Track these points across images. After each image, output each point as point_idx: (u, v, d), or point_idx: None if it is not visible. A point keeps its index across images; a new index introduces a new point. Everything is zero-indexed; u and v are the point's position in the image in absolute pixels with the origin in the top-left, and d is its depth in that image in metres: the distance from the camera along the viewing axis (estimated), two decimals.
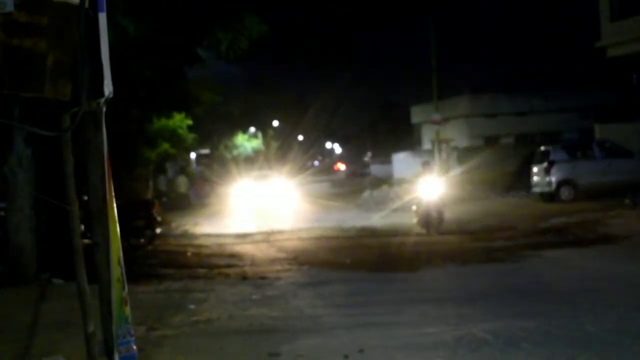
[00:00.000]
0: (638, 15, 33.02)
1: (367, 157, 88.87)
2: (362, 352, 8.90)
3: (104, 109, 4.03)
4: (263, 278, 15.83)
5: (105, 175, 4.01)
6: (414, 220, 24.60)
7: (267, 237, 25.39)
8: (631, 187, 27.96)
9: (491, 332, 9.49)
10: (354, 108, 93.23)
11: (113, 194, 4.05)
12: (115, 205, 4.08)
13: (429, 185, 24.32)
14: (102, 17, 4.02)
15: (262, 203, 39.95)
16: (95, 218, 4.02)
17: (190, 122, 38.44)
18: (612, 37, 34.62)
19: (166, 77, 20.09)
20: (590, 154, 31.26)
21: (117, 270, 4.07)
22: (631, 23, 33.21)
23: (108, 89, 3.99)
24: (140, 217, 22.17)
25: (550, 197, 30.98)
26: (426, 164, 25.65)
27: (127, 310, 4.13)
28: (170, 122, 37.07)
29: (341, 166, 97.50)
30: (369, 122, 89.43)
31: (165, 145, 38.03)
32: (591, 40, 36.02)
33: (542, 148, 33.02)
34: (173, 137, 38.08)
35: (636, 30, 32.56)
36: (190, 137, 40.91)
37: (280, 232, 26.93)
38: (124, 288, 4.12)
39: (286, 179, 49.03)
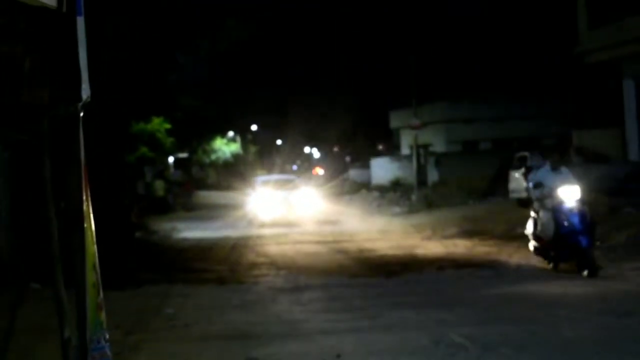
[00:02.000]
0: (615, 22, 33.18)
1: (346, 162, 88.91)
2: (340, 358, 8.90)
3: (82, 113, 4.01)
4: (241, 283, 15.82)
5: (82, 179, 3.99)
6: (531, 247, 16.58)
7: (247, 241, 25.37)
8: (608, 193, 28.08)
9: (468, 336, 9.51)
10: (333, 112, 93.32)
11: (89, 198, 4.04)
12: (91, 210, 4.07)
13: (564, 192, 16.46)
14: (80, 21, 4.00)
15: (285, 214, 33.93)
16: (72, 223, 4.01)
17: (168, 125, 38.37)
18: (589, 43, 34.76)
19: (146, 81, 20.05)
20: (568, 160, 31.36)
21: (92, 275, 4.05)
22: (609, 30, 33.36)
23: (86, 93, 3.98)
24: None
25: (527, 202, 31.02)
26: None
27: (102, 315, 4.11)
28: (149, 126, 37.00)
29: (320, 171, 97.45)
30: (348, 127, 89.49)
31: (144, 149, 37.94)
32: (569, 47, 36.17)
33: (520, 153, 33.12)
34: (151, 140, 37.99)
35: (613, 37, 32.71)
36: (169, 140, 40.84)
37: (259, 236, 26.92)
38: (99, 293, 4.11)
39: (310, 184, 43.04)
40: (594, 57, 35.02)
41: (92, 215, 4.09)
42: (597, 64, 35.83)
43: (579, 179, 29.89)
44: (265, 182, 37.70)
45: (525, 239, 17.24)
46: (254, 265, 18.78)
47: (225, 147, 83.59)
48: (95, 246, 4.12)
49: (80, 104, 3.98)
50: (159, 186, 45.01)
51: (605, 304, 11.56)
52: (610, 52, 33.72)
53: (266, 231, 28.86)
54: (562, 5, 39.60)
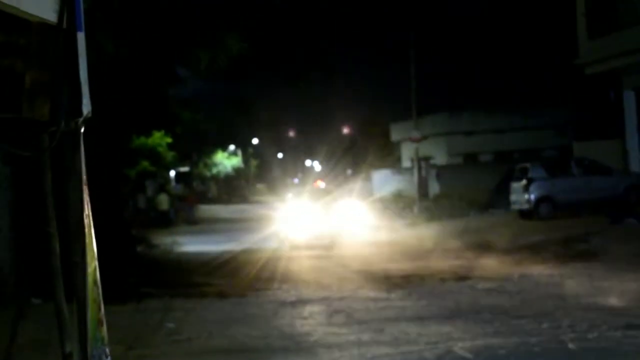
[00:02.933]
0: (615, 32, 33.21)
1: (347, 175, 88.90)
2: None
3: (82, 129, 4.01)
4: (243, 296, 15.79)
5: (83, 194, 3.98)
6: None
7: (250, 254, 25.34)
8: (609, 204, 28.10)
9: (472, 350, 9.48)
10: (335, 125, 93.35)
11: (90, 213, 4.03)
12: (92, 225, 4.06)
13: None
14: (81, 37, 4.00)
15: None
16: (73, 238, 4.00)
17: (169, 139, 38.40)
18: (590, 54, 34.76)
19: (147, 95, 20.07)
20: (569, 171, 31.36)
21: (93, 290, 4.04)
22: (609, 40, 33.38)
23: (86, 108, 3.97)
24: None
25: (529, 214, 31.06)
26: None
27: (104, 331, 4.10)
28: (150, 140, 37.02)
29: (320, 184, 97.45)
30: (349, 140, 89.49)
31: (145, 163, 37.96)
32: (570, 58, 36.19)
33: (521, 165, 33.14)
34: (152, 155, 38.00)
35: (613, 48, 32.72)
36: (170, 154, 40.86)
37: (261, 250, 26.89)
38: (100, 309, 4.10)
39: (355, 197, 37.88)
40: (594, 68, 35.03)
41: (93, 230, 4.08)
42: (597, 75, 35.85)
43: (580, 190, 29.95)
44: (299, 193, 33.08)
45: (527, 250, 17.22)
46: (256, 279, 18.75)
47: (227, 160, 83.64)
48: (97, 261, 4.11)
49: (81, 119, 3.98)
50: (163, 200, 45.03)
51: (611, 316, 11.54)
52: (610, 63, 33.73)
53: (267, 245, 28.78)
54: (562, 16, 39.65)
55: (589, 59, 34.94)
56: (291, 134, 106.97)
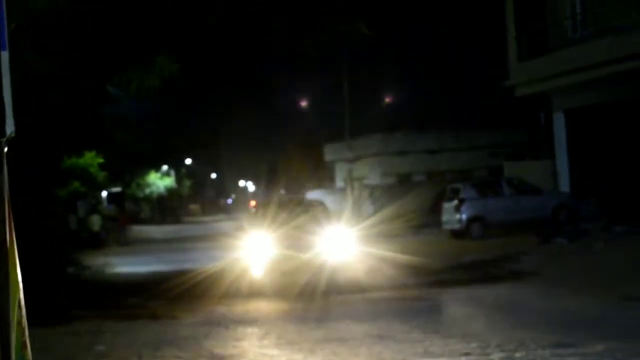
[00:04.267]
0: (544, 55, 33.75)
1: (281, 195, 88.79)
2: None
3: (6, 149, 3.96)
4: (175, 318, 15.68)
5: (6, 216, 3.93)
6: None
7: (184, 275, 25.14)
8: (539, 224, 28.47)
9: None
10: (268, 145, 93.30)
11: (14, 234, 3.97)
12: (16, 246, 4.01)
13: None
14: (5, 56, 3.96)
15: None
16: None
17: (101, 160, 38.03)
18: (520, 76, 35.31)
19: (78, 115, 19.86)
20: (500, 191, 31.73)
21: (17, 313, 3.98)
22: (538, 63, 33.92)
23: (10, 128, 3.92)
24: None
25: (460, 234, 31.34)
26: None
27: (28, 353, 4.04)
28: (81, 160, 36.62)
29: (254, 204, 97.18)
30: (283, 160, 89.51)
31: (76, 184, 37.53)
32: (501, 79, 36.69)
33: (453, 185, 33.44)
34: (84, 175, 37.59)
35: (542, 71, 33.26)
36: (102, 175, 40.45)
37: (193, 270, 26.66)
38: (24, 332, 4.04)
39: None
40: (524, 90, 35.55)
41: (16, 251, 4.02)
42: (527, 97, 36.37)
43: (510, 210, 30.30)
44: (269, 209, 22.04)
45: (459, 270, 17.33)
46: (189, 299, 18.61)
47: (160, 181, 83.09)
48: (21, 284, 4.05)
49: (4, 139, 3.92)
50: (95, 221, 44.55)
51: (540, 334, 11.67)
52: (539, 85, 34.27)
53: (197, 265, 28.58)
54: (494, 39, 40.15)
55: (519, 81, 35.45)
56: (225, 154, 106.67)
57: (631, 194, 26.72)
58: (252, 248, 21.29)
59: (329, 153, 62.31)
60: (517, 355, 10.23)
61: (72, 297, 19.02)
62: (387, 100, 54.84)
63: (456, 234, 31.78)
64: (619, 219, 26.30)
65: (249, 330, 13.82)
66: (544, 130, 37.21)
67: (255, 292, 19.59)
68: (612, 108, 31.00)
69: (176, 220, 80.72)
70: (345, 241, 18.23)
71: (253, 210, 36.07)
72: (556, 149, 34.95)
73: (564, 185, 33.78)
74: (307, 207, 20.53)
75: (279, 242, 18.05)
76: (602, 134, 31.89)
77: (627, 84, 29.41)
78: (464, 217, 31.09)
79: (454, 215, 31.76)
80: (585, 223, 27.18)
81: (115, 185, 64.14)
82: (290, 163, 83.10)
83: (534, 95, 35.75)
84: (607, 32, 29.93)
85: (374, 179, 52.07)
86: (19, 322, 4.00)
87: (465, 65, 53.67)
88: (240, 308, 16.77)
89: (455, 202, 31.62)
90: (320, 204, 22.28)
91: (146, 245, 44.33)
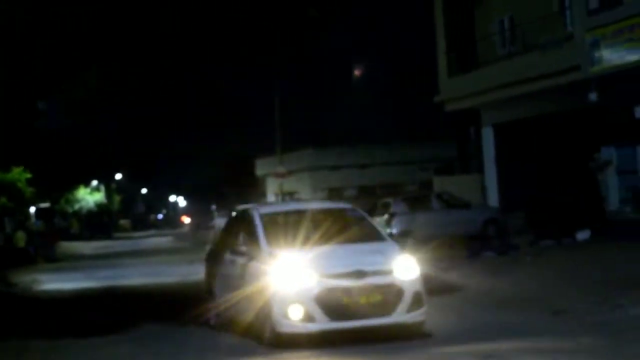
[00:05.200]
0: (473, 71, 34.17)
1: (212, 210, 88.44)
2: None
3: None
4: (103, 335, 15.46)
5: None
6: None
7: (105, 292, 24.89)
8: (468, 238, 28.70)
9: None
10: (198, 160, 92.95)
11: None
12: None
13: None
14: None
15: None
16: None
17: (29, 175, 37.53)
18: (449, 92, 35.67)
19: (4, 130, 19.62)
20: (430, 206, 31.92)
21: None
22: (467, 79, 34.32)
23: None
24: None
25: None
26: None
27: None
28: (9, 176, 36.11)
29: (186, 219, 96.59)
30: (214, 174, 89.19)
31: (3, 200, 36.97)
32: (432, 95, 37.03)
33: (383, 200, 33.56)
34: (11, 190, 37.03)
35: (471, 87, 33.66)
36: (29, 190, 39.90)
37: (116, 287, 26.36)
38: None
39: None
40: (454, 105, 35.93)
41: None
42: (457, 112, 36.76)
43: (440, 224, 30.50)
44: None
45: None
46: (116, 317, 18.39)
47: (89, 196, 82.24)
48: None
49: None
50: (20, 237, 43.83)
51: (469, 347, 11.74)
52: (469, 100, 34.67)
53: (124, 282, 28.24)
54: (426, 54, 40.49)
55: (448, 96, 35.83)
56: (157, 168, 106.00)
57: (558, 208, 27.14)
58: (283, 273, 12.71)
59: (261, 167, 62.25)
60: None
61: None
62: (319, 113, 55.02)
63: None
64: (546, 233, 26.68)
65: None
66: (474, 145, 37.61)
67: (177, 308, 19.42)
68: (540, 122, 31.48)
69: (106, 236, 79.84)
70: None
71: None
72: (485, 163, 35.37)
73: (493, 200, 34.17)
74: (333, 216, 14.49)
75: (325, 266, 12.37)
76: (529, 148, 32.36)
77: (553, 99, 29.92)
78: (394, 231, 31.20)
79: (384, 230, 31.84)
80: (513, 237, 27.47)
81: (44, 201, 63.30)
82: (221, 178, 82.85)
83: (464, 110, 36.14)
84: (534, 49, 30.42)
85: (305, 193, 52.09)
86: None
87: (396, 81, 54.04)
88: (162, 323, 16.60)
89: (386, 216, 31.73)
90: (352, 210, 14.96)
91: (75, 261, 43.76)
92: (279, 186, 44.18)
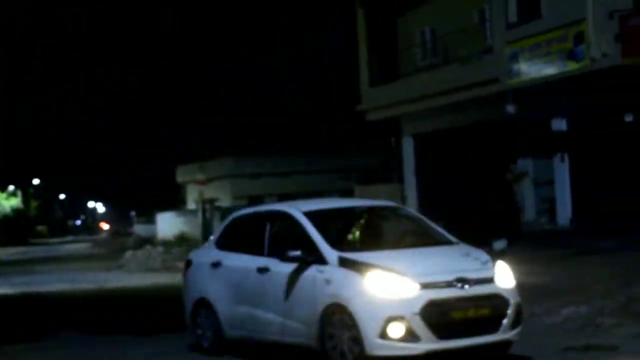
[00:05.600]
0: (394, 82, 34.39)
1: (131, 216, 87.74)
2: None
3: None
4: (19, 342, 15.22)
5: None
6: None
7: (20, 298, 24.48)
8: None
9: None
10: (118, 166, 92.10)
11: None
12: None
13: None
14: None
15: None
16: None
17: None
18: (371, 101, 35.86)
19: None
20: None
21: None
22: (388, 89, 34.53)
23: None
24: None
25: None
26: None
27: None
28: None
29: (105, 225, 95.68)
30: (133, 180, 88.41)
31: None
32: (354, 104, 37.17)
33: None
34: None
35: (392, 97, 33.88)
36: None
37: (31, 293, 25.94)
38: None
39: None
40: (375, 115, 36.11)
41: None
42: (378, 122, 36.95)
43: None
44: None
45: None
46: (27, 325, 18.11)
47: (5, 201, 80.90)
48: None
49: None
50: None
51: None
52: (389, 110, 34.87)
53: (40, 288, 27.78)
54: (348, 64, 40.64)
55: (370, 106, 36.00)
56: (74, 174, 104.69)
57: (475, 217, 27.48)
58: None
59: (181, 175, 61.89)
60: None
61: None
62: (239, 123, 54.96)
63: None
64: (466, 242, 26.86)
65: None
66: (394, 155, 37.86)
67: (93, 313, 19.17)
68: (459, 133, 31.81)
69: (23, 241, 78.57)
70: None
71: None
72: (405, 172, 35.63)
73: (413, 208, 34.38)
74: (385, 215, 12.42)
75: (421, 273, 10.21)
76: (448, 158, 32.68)
77: (473, 111, 30.26)
78: None
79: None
80: None
81: None
82: (142, 184, 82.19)
83: (385, 120, 36.35)
84: (454, 60, 30.75)
85: (225, 201, 51.93)
86: None
87: (318, 90, 54.21)
88: (82, 330, 16.38)
89: None
90: (401, 208, 13.25)
91: None
92: (200, 193, 43.94)
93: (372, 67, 36.14)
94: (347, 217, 12.18)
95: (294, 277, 11.06)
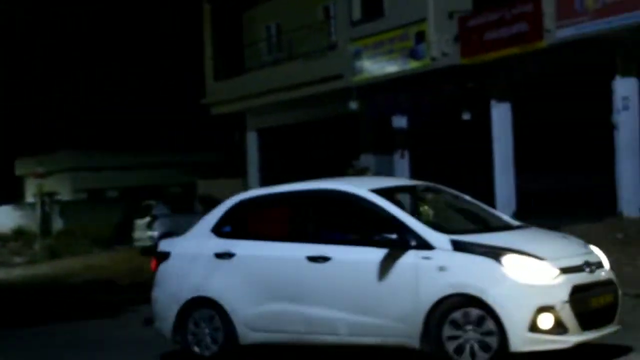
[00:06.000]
0: (239, 76, 34.33)
1: None
2: None
3: None
4: None
5: None
6: None
7: None
8: None
9: None
10: None
11: None
12: None
13: None
14: None
15: None
16: None
17: None
18: (216, 95, 35.73)
19: None
20: (192, 209, 31.79)
21: None
22: (233, 83, 34.46)
23: None
24: None
25: (152, 251, 31.08)
26: None
27: None
28: None
29: None
30: None
31: None
32: (199, 99, 36.96)
33: (145, 202, 33.19)
34: None
35: (237, 91, 33.82)
36: None
37: None
38: None
39: None
40: (220, 109, 35.97)
41: None
42: (224, 116, 36.81)
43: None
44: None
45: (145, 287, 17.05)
46: None
47: None
48: None
49: None
50: None
51: None
52: (234, 105, 34.81)
53: None
54: (192, 58, 40.33)
55: (214, 99, 35.86)
56: None
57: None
58: None
59: (20, 167, 60.22)
60: None
61: None
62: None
63: (146, 251, 31.49)
64: None
65: None
66: (238, 149, 37.84)
67: None
68: (303, 129, 32.05)
69: None
70: None
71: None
72: (249, 167, 35.65)
73: None
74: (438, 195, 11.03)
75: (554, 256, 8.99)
76: (293, 153, 32.89)
77: (317, 106, 30.49)
78: (155, 233, 30.89)
79: (145, 232, 31.50)
80: None
81: None
82: None
83: (230, 115, 36.26)
84: (299, 56, 30.92)
85: (65, 194, 50.83)
86: None
87: (161, 83, 53.62)
88: None
89: (147, 218, 31.40)
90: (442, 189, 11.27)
91: None
92: (38, 187, 42.78)
93: (217, 61, 36.00)
94: (411, 195, 10.75)
95: (384, 265, 9.41)
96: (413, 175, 27.12)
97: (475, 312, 8.88)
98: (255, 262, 10.29)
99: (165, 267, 10.96)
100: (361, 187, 10.10)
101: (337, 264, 9.66)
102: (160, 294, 10.92)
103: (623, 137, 21.02)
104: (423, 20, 24.84)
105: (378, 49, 26.69)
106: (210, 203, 31.70)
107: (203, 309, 10.47)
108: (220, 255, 10.49)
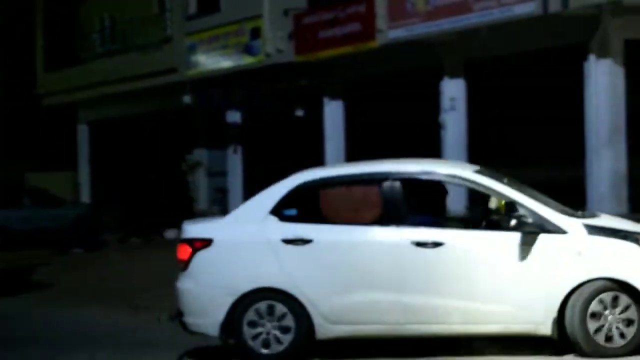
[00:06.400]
0: (71, 67, 33.74)
1: None
2: None
3: None
4: None
5: None
6: None
7: None
8: (59, 234, 28.21)
9: None
10: None
11: None
12: None
13: None
14: None
15: None
16: None
17: None
18: (47, 86, 35.05)
19: None
20: (21, 202, 30.98)
21: None
22: (64, 74, 33.84)
23: None
24: None
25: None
26: None
27: None
28: None
29: None
30: None
31: None
32: (29, 89, 36.16)
33: None
34: None
35: (68, 82, 33.26)
36: None
37: None
38: None
39: None
40: (51, 100, 35.30)
41: None
42: (55, 107, 36.07)
43: (31, 221, 29.73)
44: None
45: None
46: None
47: None
48: None
49: None
50: None
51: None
52: (65, 96, 34.21)
53: None
54: (22, 47, 39.31)
55: (46, 90, 35.15)
56: None
57: (148, 207, 27.62)
58: None
59: None
60: None
61: None
62: None
63: None
64: (136, 231, 27.06)
65: None
66: (69, 142, 37.17)
67: None
68: (136, 122, 31.78)
69: None
70: None
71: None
72: (79, 160, 35.12)
73: (85, 197, 33.94)
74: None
75: None
76: (125, 147, 32.55)
77: (151, 99, 30.29)
78: None
79: None
80: (104, 234, 27.50)
81: None
82: None
83: (62, 106, 35.57)
84: (133, 49, 30.60)
85: None
86: None
87: None
88: None
89: None
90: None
91: None
92: None
93: (49, 51, 35.29)
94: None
95: (517, 250, 9.02)
96: (246, 170, 27.35)
97: (623, 297, 8.92)
98: (341, 249, 9.41)
99: (206, 255, 9.66)
100: (465, 169, 9.77)
101: (451, 248, 9.15)
102: (198, 286, 9.63)
103: (450, 137, 21.63)
104: (259, 16, 24.98)
105: (213, 44, 26.72)
106: (40, 197, 31.16)
107: (266, 302, 9.47)
108: (290, 242, 9.46)
